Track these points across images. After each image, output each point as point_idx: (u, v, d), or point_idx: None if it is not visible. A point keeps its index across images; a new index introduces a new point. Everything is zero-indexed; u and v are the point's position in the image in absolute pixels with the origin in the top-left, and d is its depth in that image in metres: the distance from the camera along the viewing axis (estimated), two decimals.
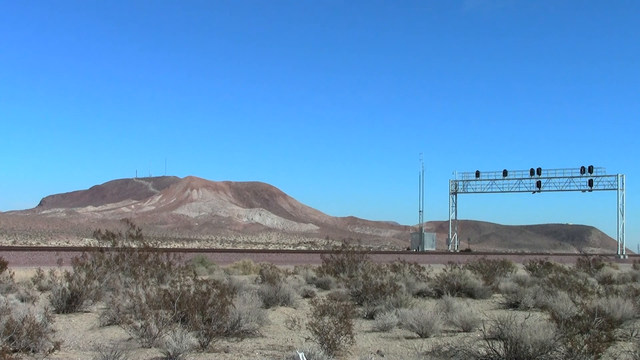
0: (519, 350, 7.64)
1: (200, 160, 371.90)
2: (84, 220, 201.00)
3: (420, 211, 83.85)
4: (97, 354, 7.60)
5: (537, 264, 24.68)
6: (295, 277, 18.74)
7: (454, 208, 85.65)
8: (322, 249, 72.02)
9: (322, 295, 14.10)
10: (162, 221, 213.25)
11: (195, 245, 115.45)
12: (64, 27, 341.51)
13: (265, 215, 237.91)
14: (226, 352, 8.48)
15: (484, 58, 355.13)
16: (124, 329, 9.18)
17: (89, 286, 12.31)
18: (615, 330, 9.72)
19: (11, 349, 7.69)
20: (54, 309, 11.63)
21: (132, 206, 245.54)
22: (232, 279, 16.60)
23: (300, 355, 7.43)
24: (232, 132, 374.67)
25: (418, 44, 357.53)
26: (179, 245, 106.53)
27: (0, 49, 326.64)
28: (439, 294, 15.11)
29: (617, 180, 75.75)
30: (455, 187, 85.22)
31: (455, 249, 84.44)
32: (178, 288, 10.11)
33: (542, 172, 79.51)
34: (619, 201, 75.69)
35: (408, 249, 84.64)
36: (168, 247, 60.75)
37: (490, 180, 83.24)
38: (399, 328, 10.62)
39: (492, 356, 7.90)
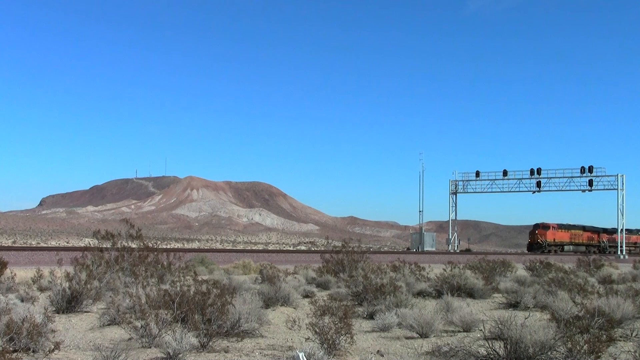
0: (519, 350, 7.64)
1: (200, 160, 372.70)
2: (84, 220, 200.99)
3: (420, 211, 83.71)
4: (97, 354, 7.59)
5: (537, 263, 24.66)
6: (295, 277, 18.72)
7: (454, 208, 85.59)
8: (322, 249, 71.99)
9: (322, 295, 14.10)
10: (162, 221, 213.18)
11: (195, 245, 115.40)
12: (64, 27, 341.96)
13: (265, 215, 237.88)
14: (226, 352, 8.48)
15: (484, 58, 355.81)
16: (124, 329, 9.18)
17: (89, 286, 12.29)
18: (615, 330, 9.71)
19: (11, 349, 7.69)
20: (54, 309, 11.62)
21: (132, 206, 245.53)
22: (232, 279, 16.59)
23: (300, 355, 7.42)
24: (232, 132, 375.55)
25: (419, 44, 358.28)
26: (179, 245, 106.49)
27: (0, 49, 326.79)
28: (439, 294, 15.10)
29: (617, 180, 75.60)
30: (455, 187, 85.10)
31: (455, 249, 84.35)
32: (178, 288, 10.10)
33: (542, 172, 79.32)
34: (619, 201, 75.58)
35: (408, 249, 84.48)
36: (168, 247, 60.73)
37: (490, 180, 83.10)
38: (399, 328, 10.62)
39: (492, 356, 7.90)
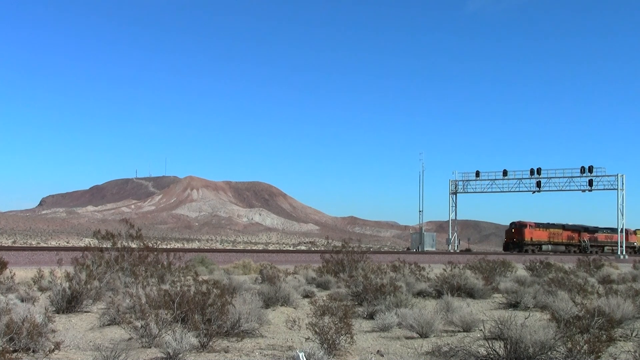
0: (519, 350, 7.64)
1: (200, 160, 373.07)
2: (84, 220, 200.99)
3: (420, 211, 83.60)
4: (97, 354, 7.60)
5: (537, 264, 24.66)
6: (295, 277, 18.72)
7: (454, 208, 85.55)
8: (322, 249, 71.93)
9: (322, 295, 14.09)
10: (162, 221, 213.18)
11: (195, 245, 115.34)
12: (64, 27, 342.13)
13: (265, 215, 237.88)
14: (226, 352, 8.48)
15: (484, 58, 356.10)
16: (124, 329, 9.18)
17: (89, 286, 12.30)
18: (615, 330, 9.72)
19: (11, 349, 7.69)
20: (54, 309, 11.62)
21: (132, 206, 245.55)
22: (232, 279, 16.59)
23: (300, 355, 7.43)
24: (232, 132, 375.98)
25: (419, 44, 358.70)
26: (179, 245, 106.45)
27: (0, 49, 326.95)
28: (439, 294, 15.11)
29: (617, 180, 75.55)
30: (455, 187, 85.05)
31: (455, 249, 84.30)
32: (178, 288, 10.11)
33: (542, 172, 79.10)
34: (619, 201, 75.53)
35: (408, 249, 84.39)
36: (168, 247, 60.70)
37: (490, 180, 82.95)
38: (399, 328, 10.62)
39: (492, 356, 7.90)
